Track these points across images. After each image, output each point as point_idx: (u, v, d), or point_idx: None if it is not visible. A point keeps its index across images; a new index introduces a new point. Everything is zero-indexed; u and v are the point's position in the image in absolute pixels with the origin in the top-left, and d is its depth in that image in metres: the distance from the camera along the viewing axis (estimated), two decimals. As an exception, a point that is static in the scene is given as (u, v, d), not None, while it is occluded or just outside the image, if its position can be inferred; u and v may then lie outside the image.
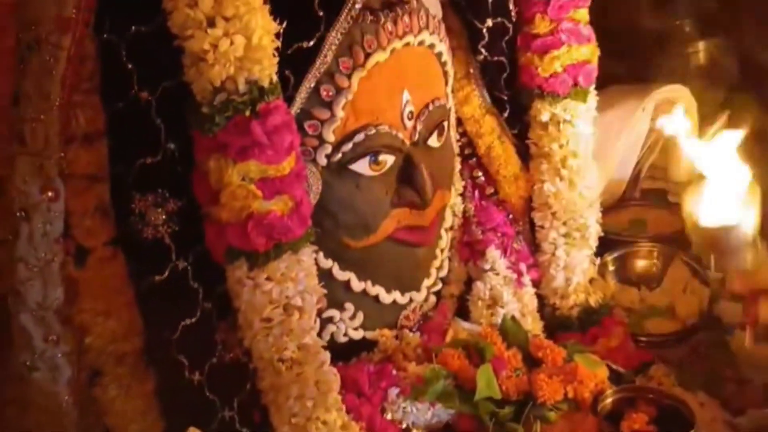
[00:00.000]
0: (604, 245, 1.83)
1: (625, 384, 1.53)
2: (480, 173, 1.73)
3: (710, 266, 1.69)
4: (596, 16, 1.70)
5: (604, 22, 1.74)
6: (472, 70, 1.67)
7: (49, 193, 1.28)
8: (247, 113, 1.23)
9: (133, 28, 1.25)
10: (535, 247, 1.73)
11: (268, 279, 1.29)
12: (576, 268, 1.70)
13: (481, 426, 1.46)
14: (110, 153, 1.30)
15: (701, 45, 2.30)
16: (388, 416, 1.45)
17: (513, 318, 1.61)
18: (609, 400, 1.47)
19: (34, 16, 1.21)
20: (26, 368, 1.37)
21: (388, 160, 1.46)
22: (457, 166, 1.69)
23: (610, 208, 1.97)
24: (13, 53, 1.27)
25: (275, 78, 1.26)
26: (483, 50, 1.64)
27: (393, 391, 1.46)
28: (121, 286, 1.35)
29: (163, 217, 1.30)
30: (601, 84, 1.75)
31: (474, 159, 1.73)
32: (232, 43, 1.21)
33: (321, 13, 1.37)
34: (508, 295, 1.64)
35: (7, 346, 1.41)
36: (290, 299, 1.31)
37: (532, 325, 1.65)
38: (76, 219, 1.32)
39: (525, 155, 1.73)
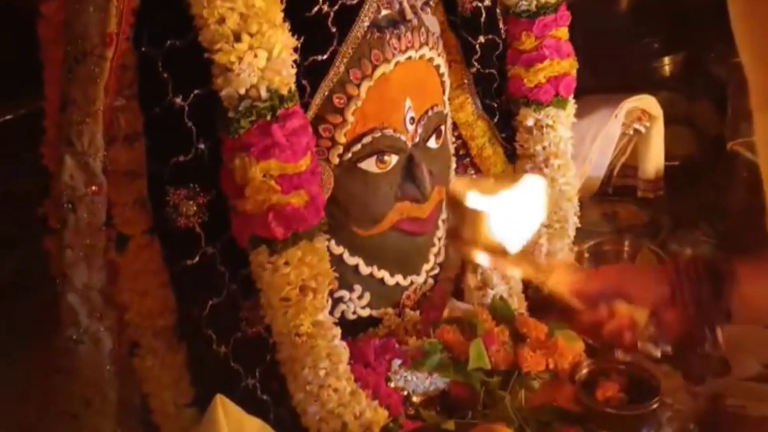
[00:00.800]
0: (581, 235, 1.82)
1: (599, 357, 1.52)
2: (473, 171, 1.72)
3: None
4: (577, 36, 1.69)
5: (583, 40, 1.73)
6: (466, 81, 1.65)
7: (93, 187, 1.26)
8: (269, 117, 1.21)
9: (169, 42, 1.23)
10: (520, 236, 1.72)
11: (286, 263, 1.27)
12: (557, 254, 1.69)
13: (473, 393, 1.44)
14: (147, 152, 1.28)
15: (666, 60, 2.29)
16: (392, 384, 1.43)
17: (501, 298, 1.60)
18: (585, 371, 1.46)
19: (81, 32, 1.19)
20: (72, 341, 1.35)
21: (393, 159, 1.45)
22: (453, 165, 1.67)
23: (585, 202, 1.96)
24: (61, 65, 1.25)
25: (294, 87, 1.25)
26: (476, 63, 1.63)
27: (396, 362, 1.45)
28: (156, 269, 1.33)
29: (194, 208, 1.28)
30: (579, 93, 1.74)
31: (467, 159, 1.72)
32: (255, 56, 1.19)
33: (334, 30, 1.35)
34: (497, 279, 1.63)
35: (54, 322, 1.40)
36: (305, 281, 1.29)
37: (518, 304, 1.64)
38: (118, 210, 1.30)
39: (512, 156, 1.71)
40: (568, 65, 1.64)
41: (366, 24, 1.38)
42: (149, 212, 1.31)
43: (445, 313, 1.57)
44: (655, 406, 1.40)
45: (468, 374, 1.45)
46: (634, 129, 1.96)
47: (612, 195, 2.04)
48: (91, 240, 1.29)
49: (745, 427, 1.43)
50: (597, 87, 1.96)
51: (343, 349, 1.34)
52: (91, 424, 1.36)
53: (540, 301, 1.69)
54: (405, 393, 1.44)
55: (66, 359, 1.37)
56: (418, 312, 1.57)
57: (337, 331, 1.35)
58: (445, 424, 1.31)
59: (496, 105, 1.69)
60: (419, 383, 1.45)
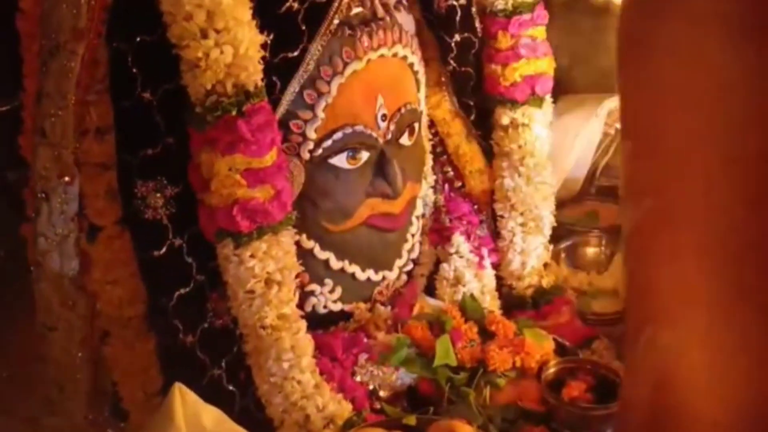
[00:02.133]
0: (561, 234, 1.88)
1: (569, 356, 1.58)
2: (449, 169, 1.78)
3: None
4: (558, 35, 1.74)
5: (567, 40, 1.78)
6: (443, 79, 1.70)
7: (66, 178, 1.33)
8: (234, 113, 1.27)
9: (139, 37, 1.29)
10: (496, 234, 1.78)
11: (252, 256, 1.33)
12: (531, 253, 1.74)
13: (439, 389, 1.50)
14: (117, 145, 1.34)
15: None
16: (358, 378, 1.49)
17: (472, 296, 1.65)
18: (552, 370, 1.51)
19: (54, 26, 1.26)
20: (46, 328, 1.42)
21: (364, 155, 1.51)
22: (429, 162, 1.73)
23: (567, 202, 2.01)
24: (37, 58, 1.32)
25: (260, 83, 1.31)
26: (452, 61, 1.68)
27: (363, 357, 1.51)
28: (127, 259, 1.40)
29: (162, 201, 1.34)
30: (561, 93, 1.79)
31: (444, 156, 1.77)
32: (222, 52, 1.26)
33: (304, 27, 1.41)
34: (470, 276, 1.69)
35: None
36: (270, 274, 1.35)
37: (491, 302, 1.69)
38: (89, 201, 1.37)
39: (489, 153, 1.77)
40: (544, 64, 1.69)
41: (336, 21, 1.43)
42: (120, 204, 1.38)
43: (416, 310, 1.63)
44: (618, 406, 1.45)
45: (434, 370, 1.50)
46: (617, 129, 2.01)
47: (594, 195, 2.09)
48: (63, 229, 1.36)
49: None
50: (579, 86, 2.02)
51: (307, 342, 1.40)
52: (64, 407, 1.43)
53: (513, 299, 1.75)
54: (371, 387, 1.50)
55: (40, 345, 1.45)
56: (389, 307, 1.63)
57: (303, 324, 1.41)
58: (407, 418, 1.37)
59: (472, 103, 1.74)
60: (385, 378, 1.50)
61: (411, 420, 1.36)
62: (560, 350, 1.59)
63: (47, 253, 1.38)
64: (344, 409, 1.42)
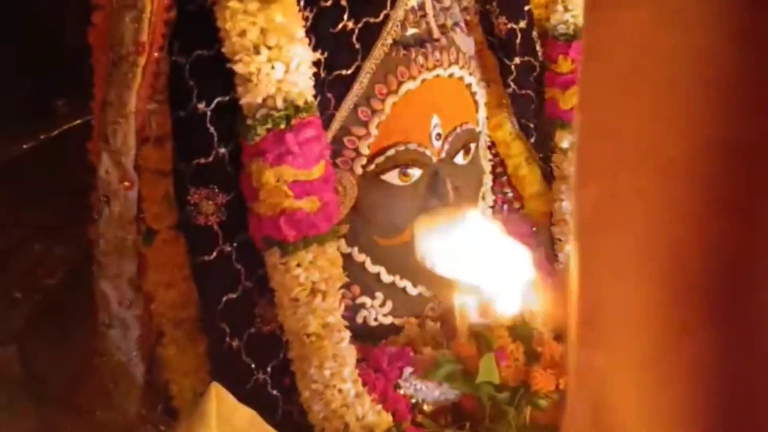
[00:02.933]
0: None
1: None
2: (508, 190, 1.77)
3: None
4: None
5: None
6: (504, 101, 1.71)
7: (126, 183, 1.38)
8: (283, 126, 1.31)
9: (196, 52, 1.34)
10: (553, 257, 1.76)
11: (297, 265, 1.36)
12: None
13: (482, 407, 1.50)
14: (173, 153, 1.39)
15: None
16: (401, 391, 1.50)
17: (522, 316, 1.64)
18: (595, 394, 1.49)
19: (117, 39, 1.31)
20: (104, 325, 1.48)
21: (416, 172, 1.52)
22: (488, 183, 1.73)
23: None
24: (105, 69, 1.38)
25: (310, 98, 1.34)
26: (512, 84, 1.68)
27: (407, 370, 1.51)
28: (181, 263, 1.44)
29: (213, 208, 1.38)
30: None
31: (504, 177, 1.77)
32: (273, 68, 1.29)
33: (358, 46, 1.44)
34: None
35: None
36: (315, 284, 1.37)
37: (543, 324, 1.68)
38: (147, 205, 1.42)
39: (549, 176, 1.76)
40: (604, 89, 1.67)
41: (389, 41, 1.46)
42: (175, 209, 1.43)
43: (465, 327, 1.62)
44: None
45: (477, 387, 1.50)
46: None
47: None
48: (122, 232, 1.41)
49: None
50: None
51: (350, 352, 1.42)
52: (119, 402, 1.48)
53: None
54: (414, 401, 1.51)
55: (97, 341, 1.50)
56: (439, 324, 1.63)
57: (347, 334, 1.42)
58: (443, 432, 1.37)
59: (532, 126, 1.73)
60: (429, 392, 1.51)
61: (448, 435, 1.36)
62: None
63: (107, 254, 1.43)
64: (383, 420, 1.43)
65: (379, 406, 1.44)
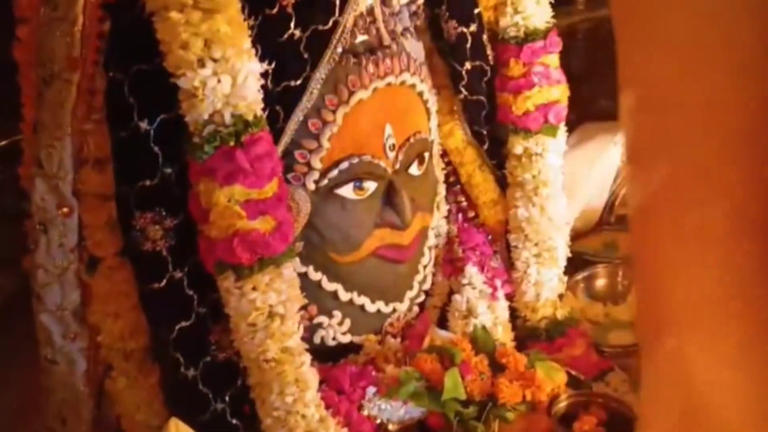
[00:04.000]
0: (579, 265, 1.79)
1: (581, 390, 1.48)
2: (462, 198, 1.70)
3: None
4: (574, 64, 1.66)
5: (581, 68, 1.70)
6: (455, 107, 1.64)
7: (64, 209, 1.27)
8: (232, 143, 1.21)
9: (135, 66, 1.23)
10: (510, 265, 1.69)
11: (254, 289, 1.26)
12: (545, 284, 1.65)
13: (448, 423, 1.42)
14: (115, 175, 1.28)
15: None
16: (365, 412, 1.42)
17: (483, 328, 1.56)
18: (563, 404, 1.43)
19: (48, 55, 1.20)
20: (47, 361, 1.36)
21: (371, 186, 1.44)
22: (442, 192, 1.65)
23: (586, 232, 1.92)
24: (34, 87, 1.26)
25: (260, 112, 1.24)
26: (463, 89, 1.61)
27: (370, 390, 1.43)
28: (128, 291, 1.34)
29: (161, 232, 1.28)
30: (578, 121, 1.70)
31: (458, 186, 1.70)
32: (219, 81, 1.19)
33: (306, 55, 1.35)
34: (483, 307, 1.60)
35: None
36: (273, 307, 1.28)
37: (504, 334, 1.60)
38: (89, 232, 1.31)
39: (503, 183, 1.69)
40: (558, 93, 1.61)
41: (339, 50, 1.37)
42: (120, 234, 1.32)
43: (426, 342, 1.54)
44: (634, 441, 1.36)
45: (443, 404, 1.42)
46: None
47: (614, 224, 2.00)
48: (63, 261, 1.30)
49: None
50: (594, 115, 1.93)
51: (311, 376, 1.33)
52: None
53: (527, 331, 1.66)
54: (379, 421, 1.42)
55: (43, 378, 1.38)
56: (399, 340, 1.55)
57: (307, 357, 1.33)
58: (414, 454, 1.29)
59: (485, 132, 1.66)
60: (393, 411, 1.42)
61: (418, 456, 1.28)
62: (574, 383, 1.50)
63: (47, 285, 1.32)
64: (350, 444, 1.34)
65: (344, 430, 1.35)
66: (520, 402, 1.43)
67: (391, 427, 1.43)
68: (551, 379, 1.46)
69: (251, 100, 1.22)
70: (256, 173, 1.23)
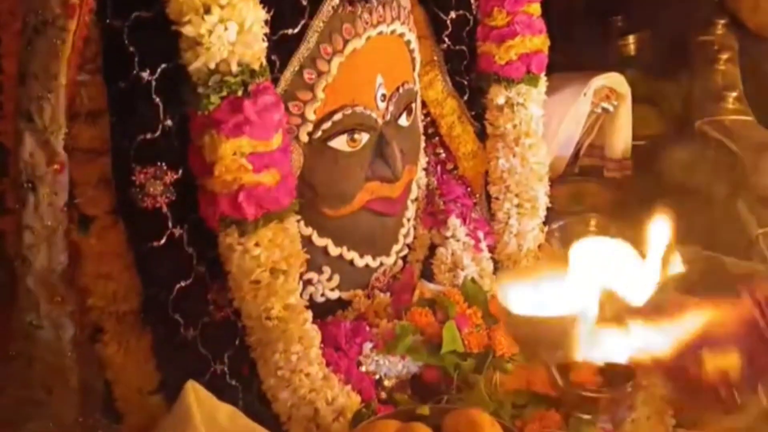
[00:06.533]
0: (548, 216, 1.82)
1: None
2: (441, 151, 1.70)
3: None
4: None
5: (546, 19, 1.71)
6: (435, 57, 1.63)
7: (55, 166, 1.22)
8: (240, 93, 1.18)
9: (134, 13, 1.19)
10: (490, 216, 1.70)
11: (257, 245, 1.25)
12: (527, 235, 1.67)
13: (446, 377, 1.43)
14: (112, 129, 1.23)
15: (631, 38, 2.29)
16: (363, 369, 1.42)
17: (473, 279, 1.58)
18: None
19: (41, 2, 1.15)
20: (32, 327, 1.31)
21: (363, 137, 1.42)
22: (422, 144, 1.65)
23: (552, 182, 1.95)
24: (19, 36, 1.20)
25: (264, 61, 1.21)
26: (446, 39, 1.60)
27: (367, 346, 1.43)
28: (121, 251, 1.29)
29: (161, 188, 1.24)
30: (545, 72, 1.72)
31: (437, 138, 1.69)
32: (226, 28, 1.16)
33: (305, 2, 1.32)
34: (468, 260, 1.61)
35: (10, 306, 1.36)
36: (276, 263, 1.27)
37: (490, 286, 1.62)
38: (80, 189, 1.26)
39: (482, 135, 1.69)
40: (540, 42, 1.62)
41: None
42: (113, 192, 1.27)
43: (416, 296, 1.55)
44: (629, 389, 1.40)
45: (441, 357, 1.43)
46: (602, 108, 1.96)
47: (578, 175, 2.04)
48: (52, 221, 1.25)
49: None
50: (561, 66, 1.95)
51: (315, 333, 1.32)
52: (54, 411, 1.32)
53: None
54: (377, 377, 1.42)
55: (23, 345, 1.33)
56: (388, 294, 1.55)
57: (309, 314, 1.33)
58: (420, 409, 1.29)
59: (466, 82, 1.66)
60: (391, 367, 1.43)
61: (424, 410, 1.28)
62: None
63: (34, 246, 1.26)
64: (353, 401, 1.35)
65: (348, 387, 1.35)
66: (518, 353, 1.46)
67: (387, 382, 1.44)
68: (545, 328, 1.49)
69: (257, 48, 1.20)
70: (264, 124, 1.20)
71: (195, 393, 1.12)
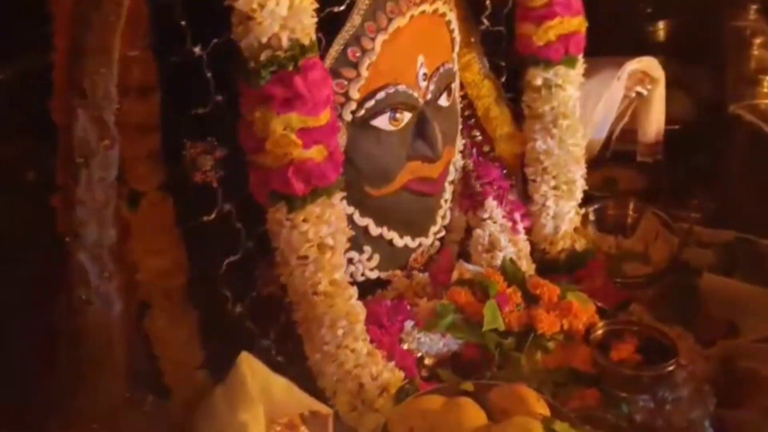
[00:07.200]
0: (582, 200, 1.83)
1: (617, 318, 1.53)
2: (478, 133, 1.71)
3: None
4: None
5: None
6: (473, 39, 1.64)
7: (106, 142, 1.24)
8: (290, 68, 1.20)
9: None
10: (526, 199, 1.72)
11: (305, 221, 1.27)
12: (564, 217, 1.69)
13: (485, 355, 1.44)
14: (163, 104, 1.25)
15: (661, 24, 2.30)
16: (405, 346, 1.43)
17: (511, 260, 1.59)
18: (600, 332, 1.47)
19: (96, -23, 1.16)
20: (82, 302, 1.32)
21: (406, 116, 1.44)
22: (459, 125, 1.66)
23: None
24: (72, 13, 1.22)
25: (314, 37, 1.23)
26: (485, 20, 1.62)
27: (409, 324, 1.45)
28: (169, 227, 1.31)
29: (212, 163, 1.26)
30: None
31: (473, 120, 1.70)
32: (277, 3, 1.18)
33: None
34: (505, 241, 1.62)
35: (56, 283, 1.38)
36: (323, 239, 1.28)
37: (527, 266, 1.64)
38: (130, 165, 1.28)
39: (518, 116, 1.70)
40: (578, 23, 1.63)
41: None
42: (162, 168, 1.29)
43: (455, 275, 1.56)
44: (671, 367, 1.41)
45: (482, 335, 1.44)
46: (636, 92, 1.96)
47: (611, 160, 2.04)
48: (102, 197, 1.27)
49: (757, 388, 1.44)
50: (591, 52, 1.97)
51: (360, 309, 1.34)
52: (102, 386, 1.34)
53: (546, 264, 1.69)
54: (418, 355, 1.44)
55: (72, 322, 1.35)
56: (426, 274, 1.57)
57: (354, 290, 1.34)
58: (464, 384, 1.31)
59: (503, 64, 1.68)
60: (432, 345, 1.44)
61: (468, 386, 1.30)
62: (599, 313, 1.53)
63: (85, 222, 1.28)
64: (397, 377, 1.36)
65: (392, 363, 1.37)
66: (558, 332, 1.47)
67: (427, 360, 1.45)
68: (585, 308, 1.50)
69: (307, 23, 1.21)
70: (313, 100, 1.22)
71: (249, 364, 1.13)
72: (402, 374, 1.37)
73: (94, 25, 1.18)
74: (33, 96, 1.37)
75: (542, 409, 1.22)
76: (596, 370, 1.43)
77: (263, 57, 1.19)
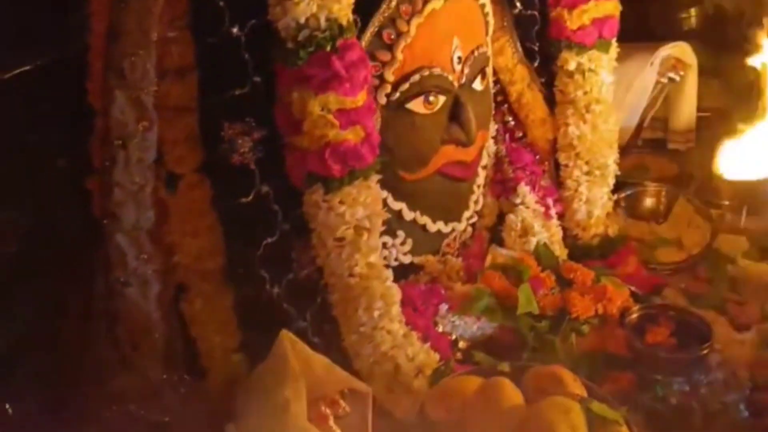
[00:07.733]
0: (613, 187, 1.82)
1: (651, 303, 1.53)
2: (510, 118, 1.71)
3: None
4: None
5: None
6: (506, 23, 1.64)
7: (144, 123, 1.25)
8: (328, 48, 1.20)
9: None
10: (558, 184, 1.71)
11: (341, 203, 1.27)
12: (597, 202, 1.69)
13: (519, 338, 1.45)
14: (201, 85, 1.26)
15: (692, 11, 2.28)
16: (439, 329, 1.44)
17: (545, 245, 1.59)
18: (635, 316, 1.47)
19: (136, -40, 1.17)
20: (120, 284, 1.34)
21: (440, 100, 1.44)
22: (492, 110, 1.66)
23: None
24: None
25: (351, 17, 1.23)
26: (518, 4, 1.62)
27: (443, 307, 1.45)
28: (206, 209, 1.33)
29: (250, 144, 1.27)
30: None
31: (505, 105, 1.70)
32: (314, -16, 1.18)
33: None
34: (538, 226, 1.63)
35: (92, 265, 1.39)
36: (360, 221, 1.29)
37: (560, 251, 1.64)
38: (168, 147, 1.29)
39: (551, 101, 1.70)
40: (612, 7, 1.63)
41: None
42: (200, 150, 1.30)
43: (488, 260, 1.56)
44: (705, 351, 1.41)
45: (516, 319, 1.45)
46: (669, 78, 1.95)
47: (641, 147, 2.04)
48: (140, 179, 1.28)
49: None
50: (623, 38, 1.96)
51: (395, 291, 1.34)
52: (139, 368, 1.35)
53: (579, 249, 1.69)
54: (452, 337, 1.44)
55: (111, 303, 1.36)
56: (459, 259, 1.57)
57: (390, 273, 1.35)
58: (501, 365, 1.31)
59: (536, 48, 1.67)
60: (467, 328, 1.45)
61: (504, 367, 1.30)
62: (634, 298, 1.53)
63: (123, 204, 1.29)
64: (432, 358, 1.36)
65: (427, 345, 1.37)
66: (593, 316, 1.47)
67: (461, 344, 1.46)
68: (619, 292, 1.50)
69: (344, 3, 1.22)
70: (351, 80, 1.22)
71: (290, 342, 1.14)
72: (437, 356, 1.37)
73: (132, 5, 1.19)
74: (65, 84, 1.38)
75: (579, 389, 1.22)
76: (631, 353, 1.43)
77: (301, 37, 1.19)
